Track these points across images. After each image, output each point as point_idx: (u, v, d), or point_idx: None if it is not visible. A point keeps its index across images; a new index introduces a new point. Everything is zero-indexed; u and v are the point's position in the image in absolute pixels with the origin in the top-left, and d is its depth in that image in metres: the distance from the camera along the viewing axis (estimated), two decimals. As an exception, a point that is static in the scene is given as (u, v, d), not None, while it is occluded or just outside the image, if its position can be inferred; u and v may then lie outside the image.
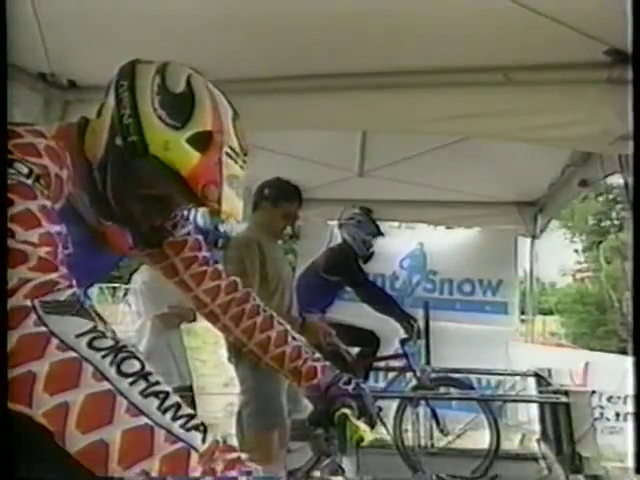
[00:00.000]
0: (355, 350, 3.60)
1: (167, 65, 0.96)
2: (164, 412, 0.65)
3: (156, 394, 0.66)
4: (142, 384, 0.66)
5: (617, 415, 4.23)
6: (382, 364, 3.90)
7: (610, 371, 4.27)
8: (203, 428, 0.66)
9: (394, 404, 3.65)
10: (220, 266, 1.25)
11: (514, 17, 1.71)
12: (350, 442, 1.05)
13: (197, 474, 0.62)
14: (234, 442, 2.71)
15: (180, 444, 0.63)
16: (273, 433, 2.43)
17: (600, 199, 14.99)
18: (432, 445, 3.66)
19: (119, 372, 0.66)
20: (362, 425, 1.08)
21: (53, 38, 2.04)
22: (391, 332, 3.75)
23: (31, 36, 1.99)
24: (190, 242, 1.21)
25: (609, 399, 4.19)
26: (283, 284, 2.57)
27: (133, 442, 0.62)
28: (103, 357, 0.66)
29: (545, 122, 2.02)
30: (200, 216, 3.94)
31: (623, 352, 5.44)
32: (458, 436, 3.85)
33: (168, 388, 0.68)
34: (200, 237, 1.24)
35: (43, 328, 0.65)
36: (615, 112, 1.88)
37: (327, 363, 1.21)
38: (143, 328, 2.99)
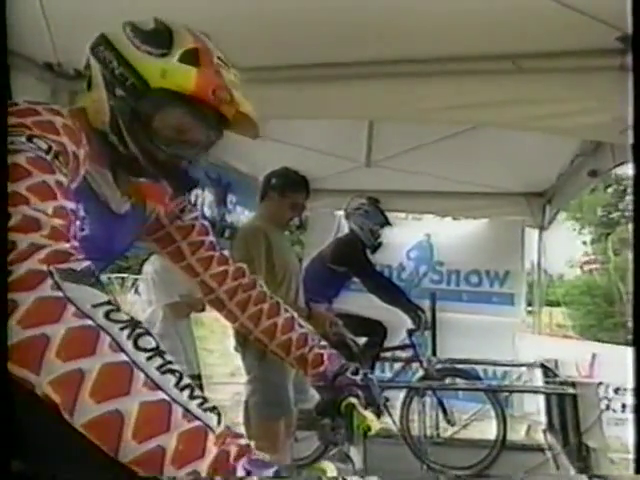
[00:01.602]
0: (362, 340, 3.59)
1: (131, 20, 0.98)
2: (181, 390, 0.63)
3: (172, 372, 0.64)
4: (159, 360, 0.64)
5: (623, 406, 4.22)
6: (389, 354, 3.89)
7: (617, 363, 4.24)
8: (217, 411, 0.65)
9: (401, 394, 3.65)
10: (227, 252, 1.25)
11: (524, 3, 1.68)
12: (357, 431, 1.04)
13: (212, 455, 0.60)
14: (242, 431, 2.72)
15: (197, 422, 0.62)
16: (279, 422, 2.44)
17: (609, 190, 14.86)
18: (438, 435, 3.65)
19: (136, 346, 0.63)
20: (369, 415, 1.07)
21: (59, 28, 2.03)
22: (398, 323, 3.74)
23: (38, 27, 1.98)
24: (198, 227, 1.20)
25: (616, 391, 4.17)
26: (290, 274, 2.56)
27: (150, 416, 0.59)
28: (120, 329, 0.64)
29: (555, 111, 1.99)
30: (207, 207, 3.95)
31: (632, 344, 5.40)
32: (464, 426, 3.85)
33: (181, 369, 0.67)
34: (207, 223, 1.23)
35: (60, 293, 0.63)
36: (627, 100, 1.85)
37: (334, 351, 1.21)
38: (154, 316, 3.01)
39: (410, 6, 1.75)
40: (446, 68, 2.06)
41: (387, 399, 1.24)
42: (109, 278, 13.17)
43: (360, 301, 3.89)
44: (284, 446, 2.50)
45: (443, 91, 2.08)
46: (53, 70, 2.36)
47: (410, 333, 3.62)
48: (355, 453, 0.97)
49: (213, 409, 0.65)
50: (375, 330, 3.76)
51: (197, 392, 0.65)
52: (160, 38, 0.94)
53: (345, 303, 3.71)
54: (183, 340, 3.05)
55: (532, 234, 4.64)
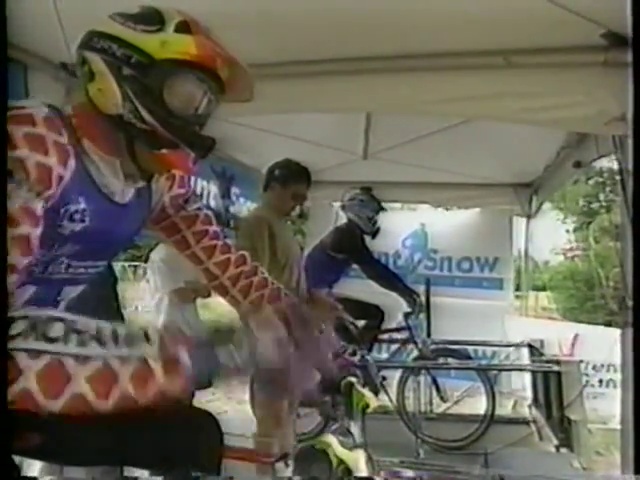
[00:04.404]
0: (361, 323, 3.59)
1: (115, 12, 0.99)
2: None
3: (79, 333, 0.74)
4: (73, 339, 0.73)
5: (600, 381, 4.26)
6: (386, 336, 3.90)
7: (596, 342, 4.28)
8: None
9: (397, 373, 3.66)
10: (230, 241, 1.24)
11: (515, 2, 1.65)
12: (356, 408, 1.04)
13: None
14: (248, 407, 2.72)
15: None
16: (283, 399, 2.43)
17: (590, 182, 14.81)
18: (432, 411, 3.66)
19: (49, 339, 0.72)
20: (367, 393, 1.07)
21: (73, 29, 1.99)
22: (395, 306, 3.74)
23: (53, 28, 1.96)
24: (201, 216, 1.19)
25: (594, 367, 4.21)
26: (292, 261, 2.54)
27: (98, 378, 0.72)
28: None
29: (543, 104, 1.96)
30: (212, 198, 3.93)
31: (609, 324, 5.43)
32: (456, 402, 3.86)
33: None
34: (210, 212, 1.22)
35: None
36: (611, 94, 1.83)
37: (333, 334, 1.20)
38: (161, 302, 2.99)
39: (407, 5, 1.72)
40: (441, 63, 2.04)
41: (384, 378, 1.24)
42: (123, 267, 13.18)
43: (359, 286, 3.89)
44: (287, 422, 2.49)
45: (438, 85, 2.05)
46: (68, 70, 2.32)
47: (406, 316, 3.63)
48: (355, 428, 0.97)
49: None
50: (373, 313, 3.76)
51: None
52: (151, 17, 0.95)
53: (345, 288, 3.71)
54: (190, 324, 3.04)
55: (520, 223, 4.63)
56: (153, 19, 0.94)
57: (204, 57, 0.93)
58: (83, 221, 0.91)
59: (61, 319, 0.75)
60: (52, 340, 0.71)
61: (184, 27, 0.94)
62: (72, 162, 0.89)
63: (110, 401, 0.71)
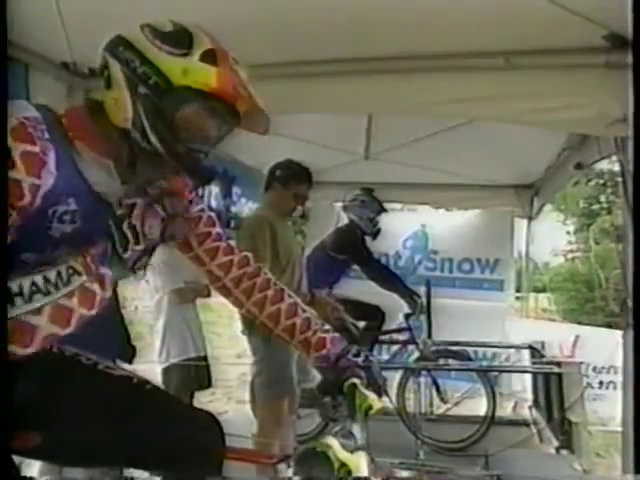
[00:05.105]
0: (362, 324, 3.58)
1: (148, 23, 0.98)
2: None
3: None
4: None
5: (601, 383, 4.26)
6: (386, 337, 3.89)
7: (596, 344, 4.28)
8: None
9: (398, 375, 3.65)
10: (233, 242, 1.24)
11: (516, 2, 1.65)
12: (358, 410, 1.03)
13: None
14: (248, 408, 2.72)
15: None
16: (283, 400, 2.43)
17: (591, 184, 14.81)
18: (432, 412, 3.65)
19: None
20: (370, 395, 1.06)
21: (74, 29, 2.00)
22: (395, 307, 3.74)
23: (54, 28, 1.96)
24: (204, 218, 1.18)
25: (594, 369, 4.21)
26: (293, 261, 2.54)
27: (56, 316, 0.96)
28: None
29: (545, 105, 1.96)
30: (213, 199, 3.92)
31: (609, 326, 5.43)
32: (456, 404, 3.85)
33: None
34: (213, 214, 1.22)
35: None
36: (613, 96, 1.82)
37: (336, 334, 1.20)
38: (161, 302, 2.99)
39: (409, 6, 1.72)
40: (442, 64, 2.03)
41: (385, 379, 1.23)
42: (124, 267, 13.14)
43: (359, 287, 3.89)
44: (288, 422, 2.49)
45: (439, 86, 2.05)
46: (69, 69, 2.32)
47: (407, 317, 3.64)
48: (357, 430, 0.96)
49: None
50: (374, 314, 3.76)
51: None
52: (180, 39, 0.94)
53: (345, 289, 3.71)
54: (189, 324, 3.03)
55: (521, 224, 4.62)
56: (182, 41, 0.93)
57: (222, 91, 0.93)
58: (74, 222, 0.90)
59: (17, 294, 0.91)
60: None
61: (210, 56, 0.94)
62: (52, 167, 0.87)
63: (72, 325, 0.97)
